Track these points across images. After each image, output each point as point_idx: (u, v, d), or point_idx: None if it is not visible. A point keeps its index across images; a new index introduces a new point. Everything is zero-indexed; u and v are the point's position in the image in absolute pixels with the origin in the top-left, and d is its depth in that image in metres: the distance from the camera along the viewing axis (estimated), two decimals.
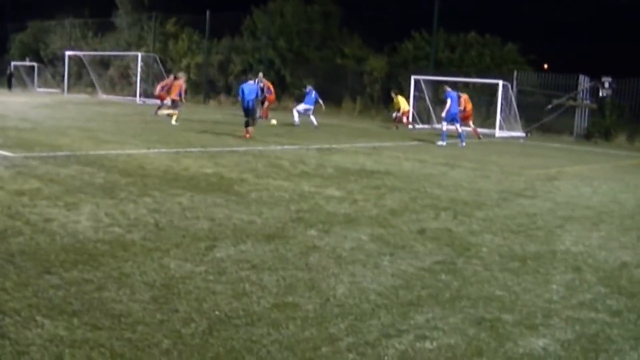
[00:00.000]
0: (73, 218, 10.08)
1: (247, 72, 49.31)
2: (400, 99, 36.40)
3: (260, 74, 37.54)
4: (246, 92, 25.26)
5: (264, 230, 10.09)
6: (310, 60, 47.80)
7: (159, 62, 52.55)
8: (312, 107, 32.70)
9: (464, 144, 27.29)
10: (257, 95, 26.00)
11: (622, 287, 8.23)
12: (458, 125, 28.03)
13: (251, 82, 26.26)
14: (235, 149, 21.05)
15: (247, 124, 25.04)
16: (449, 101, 27.70)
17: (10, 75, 62.71)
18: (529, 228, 11.45)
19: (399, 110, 36.45)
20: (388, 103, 39.52)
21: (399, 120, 36.17)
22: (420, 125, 37.72)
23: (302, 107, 32.94)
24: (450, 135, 27.85)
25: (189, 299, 6.84)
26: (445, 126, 27.67)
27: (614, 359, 6.03)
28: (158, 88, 35.47)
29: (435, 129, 36.33)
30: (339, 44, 48.41)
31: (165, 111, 32.00)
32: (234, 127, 28.48)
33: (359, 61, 46.11)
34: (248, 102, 25.00)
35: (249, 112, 25.15)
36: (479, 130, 33.07)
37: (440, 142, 27.24)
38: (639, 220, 12.85)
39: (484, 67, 40.91)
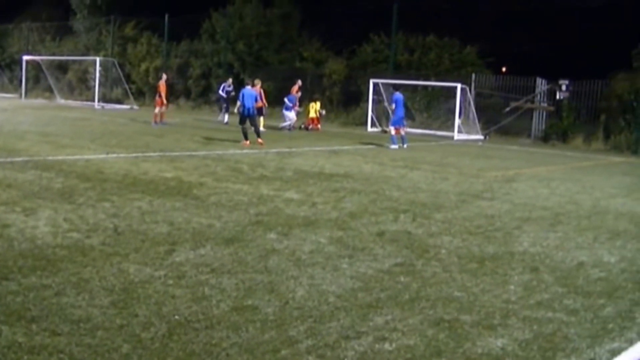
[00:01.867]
0: (31, 223, 10.01)
1: (207, 75, 49.31)
2: (313, 106, 36.67)
3: (230, 80, 37.69)
4: (246, 97, 25.12)
5: (223, 234, 10.08)
6: (270, 64, 47.76)
7: (117, 66, 52.27)
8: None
9: (405, 145, 27.22)
10: (256, 101, 25.77)
11: (579, 286, 8.33)
12: (403, 128, 27.87)
13: (249, 87, 25.83)
14: (194, 153, 20.99)
15: (245, 136, 24.73)
16: (394, 105, 27.81)
17: None
18: (487, 229, 11.54)
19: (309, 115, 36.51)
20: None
21: (308, 124, 36.02)
22: (376, 129, 37.76)
23: None
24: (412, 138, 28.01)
25: (148, 303, 6.83)
26: (393, 130, 27.51)
27: (571, 358, 6.10)
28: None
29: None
30: (298, 47, 48.46)
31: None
32: (193, 130, 28.46)
33: (318, 64, 46.15)
34: (248, 109, 24.93)
35: (247, 119, 24.99)
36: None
37: (393, 146, 27.02)
38: (595, 221, 13.00)
39: (443, 69, 41.10)
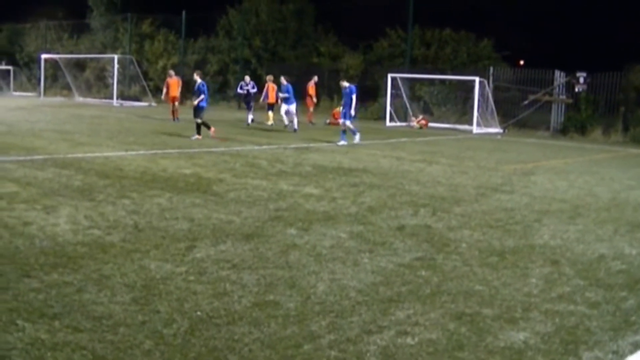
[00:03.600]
0: (52, 221, 10.05)
1: (224, 71, 49.36)
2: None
3: (247, 77, 37.05)
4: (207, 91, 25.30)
5: (243, 229, 10.09)
6: (286, 59, 47.78)
7: (135, 63, 52.35)
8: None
9: (344, 142, 24.85)
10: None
11: (600, 279, 8.30)
12: (349, 122, 25.48)
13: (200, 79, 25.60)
14: (212, 149, 21.01)
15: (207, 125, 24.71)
16: (354, 97, 25.41)
17: None
18: (507, 223, 11.51)
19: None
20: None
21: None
22: (397, 123, 37.80)
23: None
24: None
25: (169, 299, 6.85)
26: (348, 124, 25.32)
27: (594, 351, 6.07)
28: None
29: (411, 126, 36.45)
30: (314, 42, 48.47)
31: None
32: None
33: (334, 59, 46.17)
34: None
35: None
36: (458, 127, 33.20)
37: (342, 142, 24.71)
38: (614, 213, 12.95)
39: (460, 63, 41.05)
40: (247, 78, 35.57)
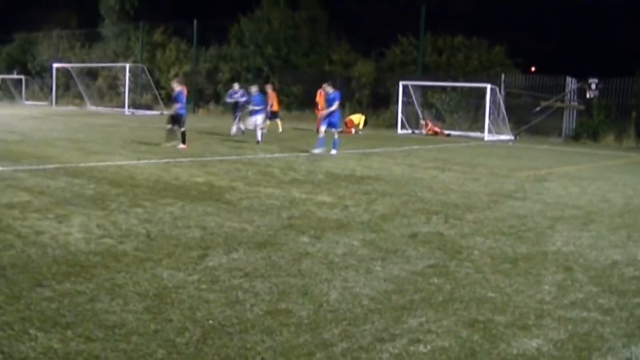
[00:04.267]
0: (64, 230, 10.06)
1: (237, 80, 49.28)
2: (359, 118, 36.72)
3: (236, 85, 35.88)
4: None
5: (256, 237, 10.09)
6: (298, 67, 47.82)
7: (146, 72, 52.48)
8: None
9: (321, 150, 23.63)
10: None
11: (613, 285, 8.27)
12: (323, 129, 24.03)
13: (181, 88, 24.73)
14: (224, 157, 21.03)
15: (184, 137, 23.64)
16: (336, 104, 24.07)
17: None
18: (520, 229, 11.48)
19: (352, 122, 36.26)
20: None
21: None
22: (409, 131, 37.81)
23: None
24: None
25: (182, 308, 6.84)
26: (322, 130, 24.04)
27: (607, 358, 6.05)
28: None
29: (418, 134, 36.42)
30: (327, 49, 48.50)
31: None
32: (223, 135, 28.54)
33: (346, 67, 46.18)
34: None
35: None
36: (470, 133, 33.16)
37: (316, 150, 23.47)
38: (628, 219, 12.90)
39: (471, 70, 41.03)
40: (236, 86, 33.26)
